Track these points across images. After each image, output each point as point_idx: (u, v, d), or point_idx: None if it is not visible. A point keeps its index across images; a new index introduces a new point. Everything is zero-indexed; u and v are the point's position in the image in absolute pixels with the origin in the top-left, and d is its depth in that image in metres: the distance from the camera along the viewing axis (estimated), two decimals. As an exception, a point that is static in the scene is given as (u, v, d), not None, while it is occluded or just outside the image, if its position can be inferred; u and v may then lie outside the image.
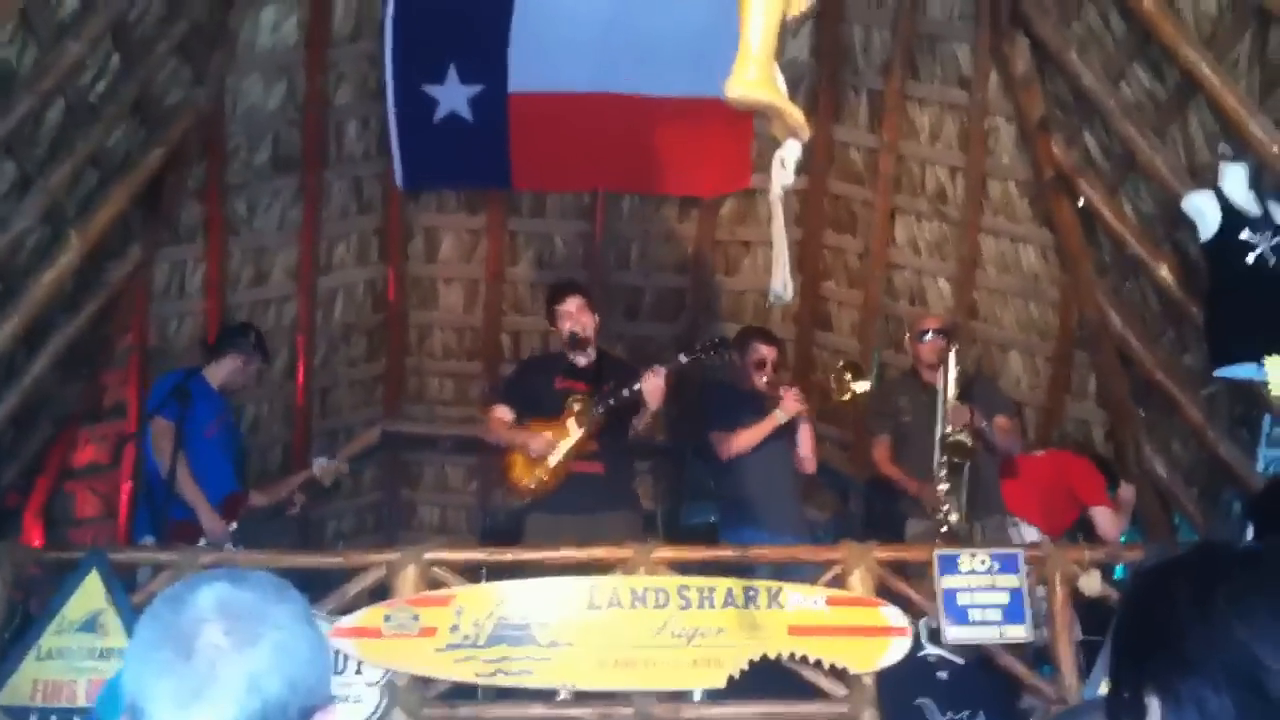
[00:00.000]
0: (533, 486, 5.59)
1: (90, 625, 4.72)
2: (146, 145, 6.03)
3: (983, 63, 6.42)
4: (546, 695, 4.88)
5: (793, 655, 4.79)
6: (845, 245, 7.47)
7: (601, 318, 6.10)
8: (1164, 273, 5.87)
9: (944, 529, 5.52)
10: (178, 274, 6.89)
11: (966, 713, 4.85)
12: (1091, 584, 4.90)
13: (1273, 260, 5.05)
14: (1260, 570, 1.33)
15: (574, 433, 5.61)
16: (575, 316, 5.82)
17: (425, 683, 4.82)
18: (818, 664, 4.79)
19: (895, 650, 4.78)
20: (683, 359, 5.77)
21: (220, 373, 6.09)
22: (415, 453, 8.28)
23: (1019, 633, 4.83)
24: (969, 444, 5.63)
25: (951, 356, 5.84)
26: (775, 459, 5.91)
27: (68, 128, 5.46)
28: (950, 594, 4.86)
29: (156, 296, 6.79)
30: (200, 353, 6.57)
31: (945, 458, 5.64)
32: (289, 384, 7.47)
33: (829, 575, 4.97)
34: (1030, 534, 5.89)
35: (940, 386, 5.82)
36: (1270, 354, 4.96)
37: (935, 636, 4.88)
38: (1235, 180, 5.15)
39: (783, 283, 3.95)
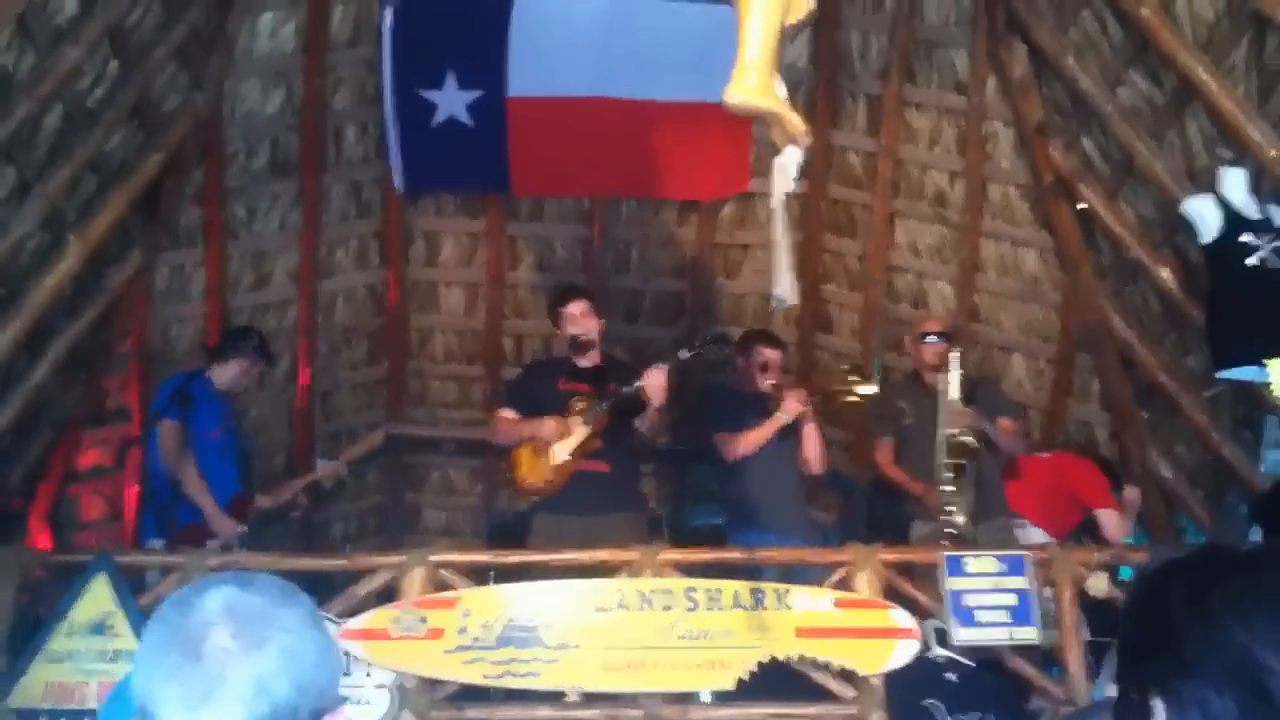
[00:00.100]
0: (539, 485, 5.60)
1: (99, 628, 4.71)
2: (145, 150, 6.03)
3: (980, 68, 6.45)
4: (554, 697, 4.88)
5: (800, 657, 4.80)
6: (845, 249, 7.50)
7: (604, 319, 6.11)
8: (1165, 275, 5.91)
9: (949, 531, 5.53)
10: (178, 278, 6.87)
11: (975, 714, 4.85)
12: (1099, 585, 4.91)
13: (1273, 263, 5.08)
14: (1257, 573, 1.34)
15: (579, 431, 5.63)
16: (578, 320, 5.85)
17: (433, 684, 4.82)
18: (826, 666, 4.80)
19: (903, 652, 4.79)
20: (684, 355, 5.79)
21: (225, 375, 6.09)
22: (419, 455, 8.28)
23: (1028, 634, 4.84)
24: (972, 444, 5.65)
25: (954, 358, 5.85)
26: (781, 461, 5.92)
27: (66, 133, 5.44)
28: (957, 595, 4.87)
29: (157, 301, 6.77)
30: (202, 356, 6.57)
31: (949, 459, 5.65)
32: (291, 387, 7.46)
33: (835, 577, 4.98)
34: (1035, 536, 5.91)
35: (942, 389, 5.83)
36: (1272, 356, 4.99)
37: (943, 638, 4.89)
38: (1234, 184, 5.18)
39: (785, 288, 3.96)
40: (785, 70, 4.13)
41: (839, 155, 7.24)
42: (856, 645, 4.80)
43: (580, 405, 5.67)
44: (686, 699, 4.92)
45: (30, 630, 4.88)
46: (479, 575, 5.25)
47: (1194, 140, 5.63)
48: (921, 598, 4.97)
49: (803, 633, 4.81)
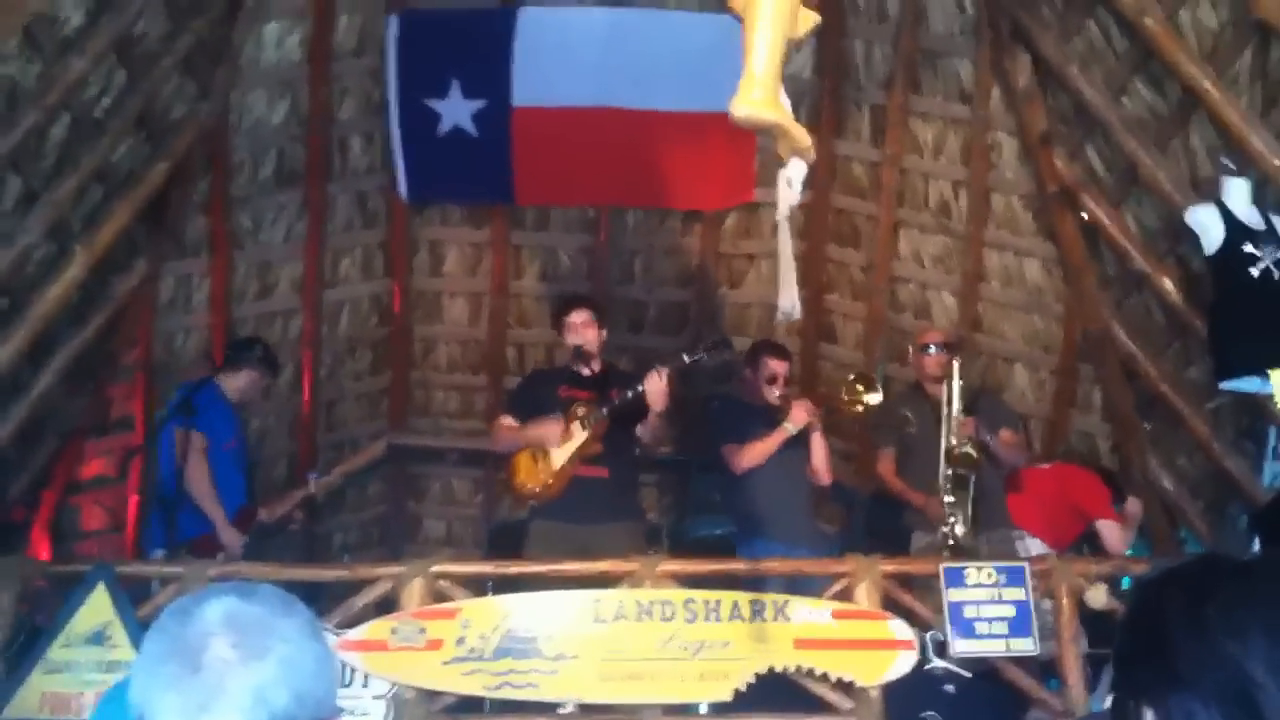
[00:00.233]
0: (537, 490, 5.61)
1: (97, 638, 4.72)
2: (151, 160, 6.06)
3: (984, 78, 6.45)
4: (552, 708, 4.87)
5: (799, 668, 4.79)
6: (849, 259, 7.49)
7: (606, 331, 6.11)
8: (1168, 286, 5.90)
9: (950, 542, 5.51)
10: (183, 288, 6.90)
11: (973, 725, 4.85)
12: (1098, 597, 4.90)
13: (1277, 273, 5.07)
14: (1251, 585, 1.34)
15: (578, 434, 5.64)
16: (580, 330, 5.85)
17: (431, 695, 4.83)
18: (824, 677, 4.78)
19: (902, 663, 4.78)
20: (685, 359, 5.78)
21: (237, 386, 6.11)
22: (421, 466, 8.28)
23: (1026, 645, 4.82)
24: (974, 455, 5.63)
25: (956, 369, 5.84)
26: (789, 471, 5.91)
27: (73, 143, 5.48)
28: (956, 607, 4.86)
29: (162, 310, 6.80)
30: (207, 365, 6.61)
31: (950, 470, 5.64)
32: (294, 397, 7.48)
33: (835, 588, 4.98)
34: (1036, 547, 5.89)
35: (944, 399, 5.82)
36: (1275, 366, 4.98)
37: (942, 649, 4.88)
38: (1238, 194, 5.18)
39: (791, 301, 3.96)
40: (790, 80, 4.15)
41: (843, 165, 7.23)
42: (855, 656, 4.79)
43: (581, 410, 5.67)
44: (685, 710, 4.92)
45: (29, 640, 4.91)
46: (478, 585, 5.26)
47: (1197, 150, 5.64)
48: (921, 609, 4.96)
49: (801, 644, 4.80)
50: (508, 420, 5.90)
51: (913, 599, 5.01)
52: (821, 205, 7.23)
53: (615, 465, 5.72)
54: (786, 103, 3.51)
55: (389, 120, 6.84)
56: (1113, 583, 5.08)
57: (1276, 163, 5.03)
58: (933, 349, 6.15)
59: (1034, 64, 6.14)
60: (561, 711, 4.85)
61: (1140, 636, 1.39)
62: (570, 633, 4.85)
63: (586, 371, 5.88)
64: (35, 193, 5.39)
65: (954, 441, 5.68)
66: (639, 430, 5.74)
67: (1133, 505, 6.30)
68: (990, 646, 4.84)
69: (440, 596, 4.95)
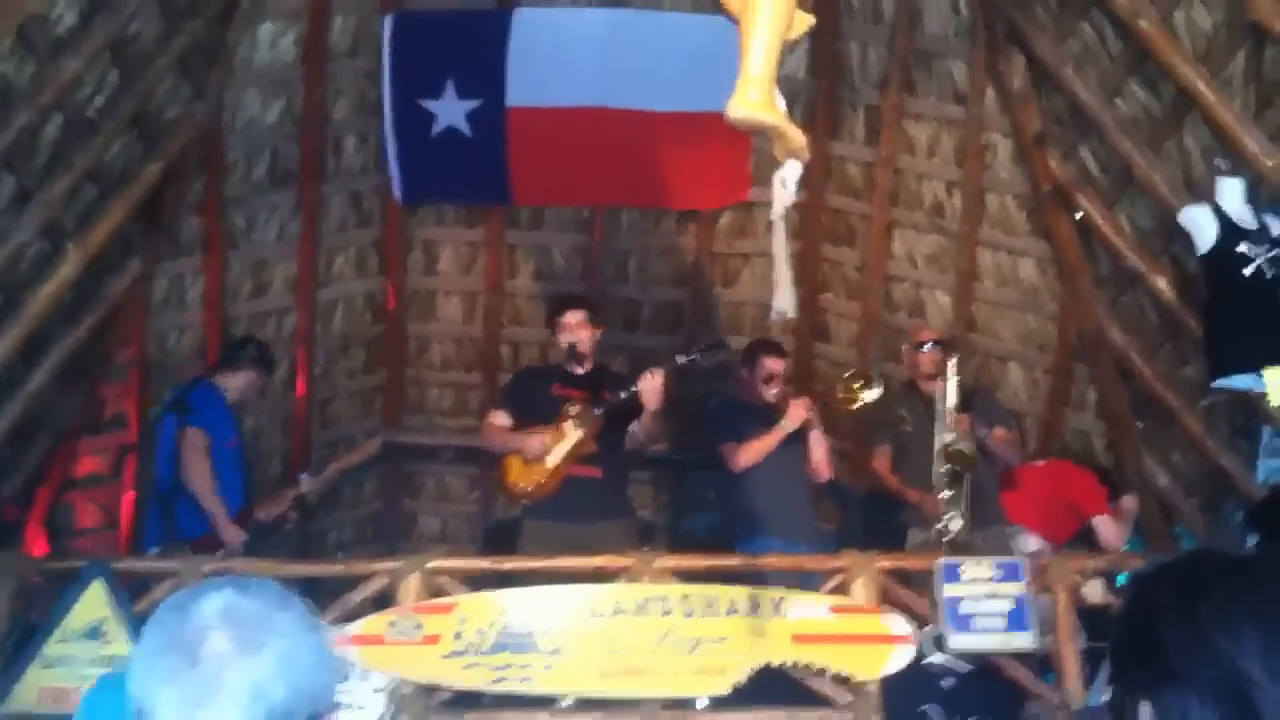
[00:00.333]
0: (530, 489, 5.61)
1: (93, 633, 4.73)
2: (145, 159, 6.05)
3: (979, 79, 6.46)
4: (550, 702, 4.88)
5: (796, 663, 4.79)
6: (843, 258, 7.51)
7: (600, 331, 6.11)
8: (1162, 285, 5.92)
9: (946, 538, 5.53)
10: (177, 287, 6.88)
11: (971, 720, 4.86)
12: (1094, 592, 4.92)
13: (1270, 272, 5.10)
14: (1246, 580, 1.34)
15: (571, 434, 5.65)
16: (574, 330, 5.87)
17: (429, 690, 4.82)
18: (821, 672, 4.79)
19: (899, 658, 4.79)
20: (680, 360, 5.81)
21: (236, 385, 6.10)
22: (415, 463, 8.27)
23: (1023, 640, 4.83)
24: (970, 452, 5.65)
25: (951, 367, 5.86)
26: (788, 468, 5.92)
27: (66, 142, 5.47)
28: (953, 602, 4.87)
29: (155, 309, 6.79)
30: (201, 364, 6.60)
31: (946, 467, 5.65)
32: (289, 395, 7.46)
33: (832, 584, 4.99)
34: (1031, 544, 5.90)
35: (939, 397, 5.84)
36: (1268, 365, 5.00)
37: (939, 644, 4.88)
38: (1231, 194, 5.20)
39: (786, 301, 3.98)
40: (785, 81, 4.16)
41: (838, 165, 7.25)
42: (852, 651, 4.80)
43: (574, 409, 5.68)
44: (683, 705, 4.91)
45: (25, 636, 4.90)
46: (475, 581, 5.25)
47: (1192, 151, 5.66)
48: (918, 604, 4.97)
49: (799, 639, 4.81)
50: (499, 418, 5.91)
51: (910, 594, 5.02)
52: (816, 205, 7.24)
53: (608, 465, 5.74)
54: (782, 104, 3.52)
55: (383, 120, 6.83)
56: (1109, 578, 5.10)
57: (1270, 163, 5.05)
58: (927, 347, 6.17)
59: (1029, 65, 6.15)
60: (559, 706, 4.85)
61: (1135, 632, 1.39)
62: (567, 627, 4.85)
63: (579, 370, 5.88)
64: (29, 192, 5.37)
65: (949, 438, 5.69)
66: (631, 429, 5.74)
67: (1128, 502, 6.32)
68: (987, 641, 4.85)
69: (437, 592, 4.95)
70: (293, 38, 6.56)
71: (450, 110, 6.86)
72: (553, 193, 7.38)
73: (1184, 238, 5.42)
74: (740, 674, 4.75)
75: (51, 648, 4.71)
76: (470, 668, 4.75)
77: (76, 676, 4.63)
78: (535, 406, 5.76)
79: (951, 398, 5.78)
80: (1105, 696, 4.39)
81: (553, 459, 5.61)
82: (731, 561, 5.37)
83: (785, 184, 3.73)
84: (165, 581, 4.93)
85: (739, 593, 4.90)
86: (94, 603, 4.79)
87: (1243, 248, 5.14)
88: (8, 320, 5.52)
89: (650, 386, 5.56)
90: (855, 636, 4.84)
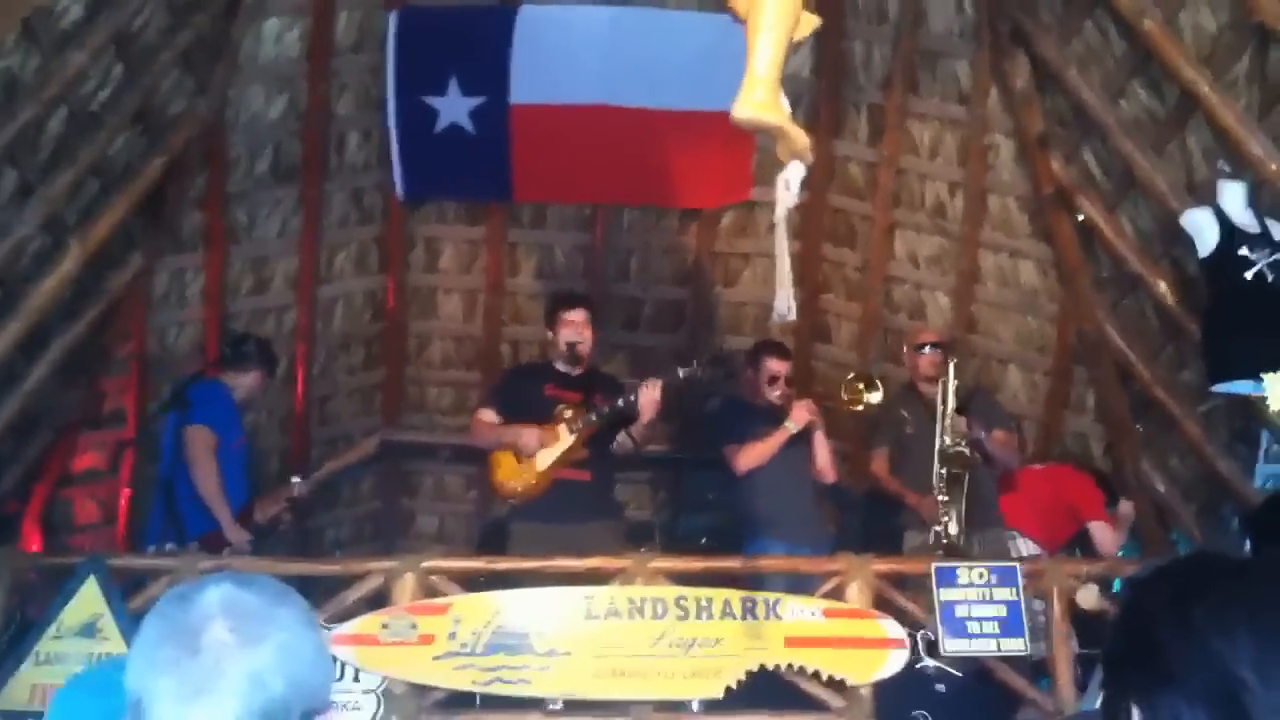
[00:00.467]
0: (520, 489, 5.61)
1: (88, 630, 4.73)
2: (148, 154, 6.06)
3: (982, 79, 6.46)
4: (543, 703, 4.88)
5: (790, 666, 4.79)
6: (844, 259, 7.50)
7: (601, 329, 6.10)
8: (1162, 288, 5.91)
9: (943, 540, 5.52)
10: (178, 282, 6.89)
11: (964, 724, 4.85)
12: (1089, 598, 4.90)
13: (1271, 276, 5.08)
14: (1240, 585, 1.34)
15: (565, 438, 5.63)
16: (578, 328, 5.83)
17: (422, 690, 4.82)
18: (815, 675, 4.78)
19: (893, 662, 4.78)
20: (680, 373, 5.79)
21: (245, 384, 6.10)
22: (414, 461, 8.28)
23: (1017, 645, 4.82)
24: (968, 454, 5.64)
25: (950, 369, 5.85)
26: (791, 470, 5.91)
27: (70, 136, 5.47)
28: (948, 606, 4.86)
29: (156, 304, 6.81)
30: (201, 360, 6.62)
31: (944, 469, 5.64)
32: (288, 392, 7.46)
33: (827, 587, 4.98)
34: (1028, 548, 5.89)
35: (939, 399, 5.83)
36: (1268, 370, 4.98)
37: (933, 649, 4.88)
38: (1234, 197, 5.18)
39: (786, 303, 3.97)
40: (788, 80, 4.16)
41: (840, 165, 7.24)
42: (846, 655, 4.79)
43: (568, 413, 5.66)
44: (677, 707, 4.90)
45: (20, 632, 4.91)
46: (470, 580, 5.25)
47: (1194, 153, 5.64)
48: (913, 608, 4.96)
49: (792, 642, 4.80)
50: (488, 415, 5.87)
51: (905, 598, 5.01)
52: (818, 205, 7.24)
53: (597, 469, 5.74)
54: (786, 106, 3.52)
55: (387, 117, 6.83)
56: (1104, 584, 5.08)
57: (1274, 167, 5.03)
58: (927, 349, 6.16)
59: (1032, 66, 6.15)
60: (550, 708, 4.85)
61: (1130, 635, 1.39)
62: (562, 629, 4.84)
63: (572, 372, 5.86)
64: (31, 186, 5.37)
65: (948, 441, 5.68)
66: (620, 439, 5.74)
67: (1125, 507, 6.32)
68: (981, 646, 4.84)
69: (432, 592, 4.95)
70: (297, 33, 6.57)
71: (454, 107, 6.86)
72: (555, 190, 7.38)
73: (1185, 241, 5.41)
74: (734, 677, 4.74)
75: (46, 645, 4.70)
76: (464, 669, 4.74)
77: (70, 674, 4.62)
78: (526, 406, 5.73)
79: (951, 400, 5.76)
80: (1098, 702, 4.39)
81: (544, 462, 5.60)
82: (726, 563, 5.36)
83: (788, 185, 3.71)
84: (161, 578, 4.95)
85: (733, 595, 4.89)
86: (89, 600, 4.78)
87: (1244, 251, 5.12)
88: (8, 314, 5.52)
89: (648, 398, 5.55)
90: (849, 640, 4.82)
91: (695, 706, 4.96)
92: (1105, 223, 6.12)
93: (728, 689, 4.75)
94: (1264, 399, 5.04)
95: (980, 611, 4.84)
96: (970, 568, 4.96)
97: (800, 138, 3.53)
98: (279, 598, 1.51)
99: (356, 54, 6.82)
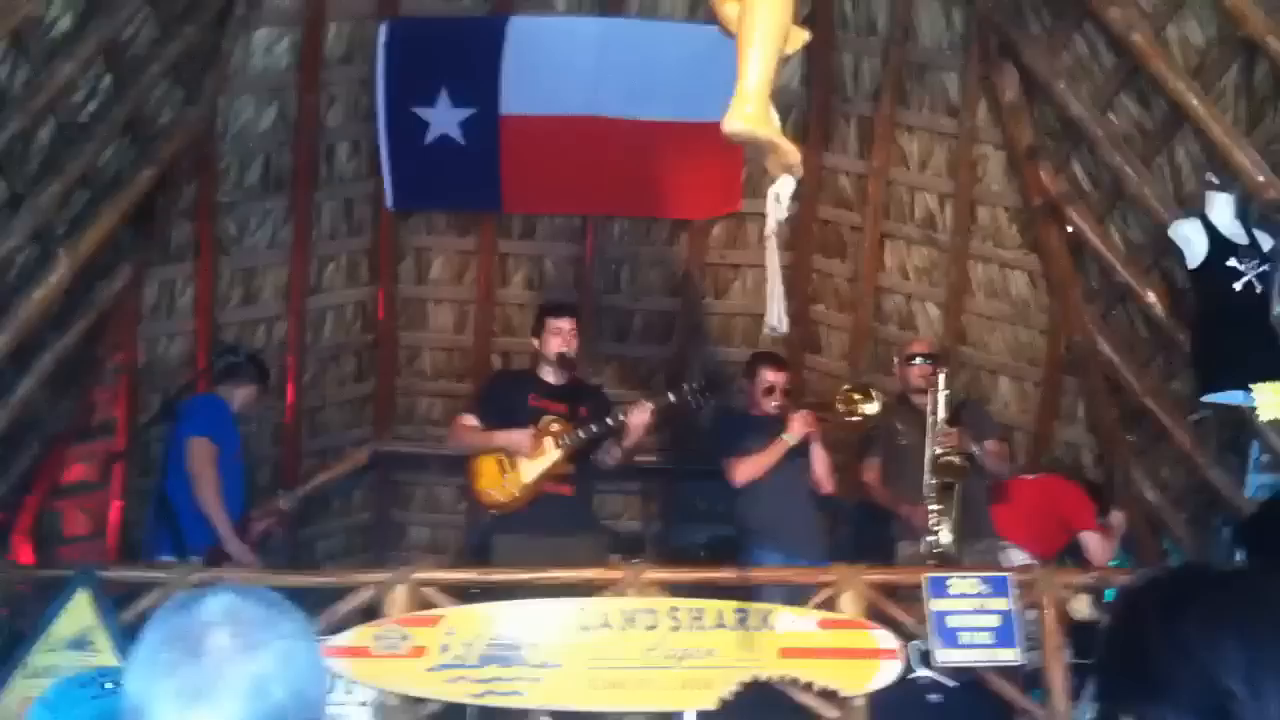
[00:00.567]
0: (503, 501, 5.59)
1: (79, 643, 4.69)
2: (138, 165, 6.03)
3: (972, 91, 6.49)
4: (536, 716, 4.87)
5: (784, 677, 4.79)
6: (834, 270, 7.51)
7: (591, 340, 6.09)
8: (1152, 299, 5.93)
9: (935, 550, 5.52)
10: (167, 293, 6.87)
11: (958, 735, 4.86)
12: (1082, 607, 4.91)
13: (1259, 287, 5.11)
14: (1231, 594, 1.33)
15: (551, 453, 5.62)
16: (567, 336, 5.82)
17: (415, 702, 4.81)
18: (809, 686, 4.78)
19: (886, 673, 4.79)
20: (670, 398, 5.80)
21: (240, 397, 6.13)
22: (405, 473, 8.24)
23: (1010, 656, 4.83)
24: (959, 464, 5.64)
25: (941, 379, 5.86)
26: (790, 481, 5.90)
27: (59, 147, 5.45)
28: (940, 616, 4.87)
29: (146, 315, 6.78)
30: (189, 370, 6.61)
31: (936, 479, 5.65)
32: (278, 403, 7.42)
33: (820, 597, 4.98)
34: (1019, 558, 5.90)
35: (929, 409, 5.84)
36: (1257, 380, 5.00)
37: (926, 659, 4.88)
38: (1222, 208, 5.21)
39: (778, 316, 3.98)
40: (778, 92, 4.15)
41: (830, 177, 7.25)
42: (840, 666, 4.80)
43: (555, 427, 5.65)
44: (670, 718, 4.90)
45: (11, 645, 4.87)
46: (460, 593, 5.24)
47: (1183, 165, 5.69)
48: (905, 618, 4.96)
49: (786, 653, 4.81)
50: (471, 420, 5.84)
51: (897, 608, 5.01)
52: (808, 216, 7.24)
53: (579, 484, 5.74)
54: (776, 119, 3.53)
55: (377, 128, 6.83)
56: (1096, 594, 5.09)
57: (1261, 178, 5.07)
58: (918, 360, 6.15)
59: (1021, 78, 6.18)
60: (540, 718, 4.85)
61: (1120, 646, 1.39)
62: (555, 640, 4.84)
63: (556, 381, 5.85)
64: (20, 196, 5.35)
65: (938, 450, 5.69)
66: (599, 456, 5.75)
67: (1116, 517, 6.33)
68: (974, 656, 4.85)
69: (424, 604, 4.94)
70: (287, 44, 6.56)
71: (444, 118, 6.86)
72: (545, 201, 7.38)
73: (1174, 252, 5.44)
74: (727, 688, 4.74)
75: (37, 657, 4.67)
76: (456, 681, 4.73)
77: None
78: (511, 415, 5.71)
79: (941, 410, 5.78)
80: (1091, 713, 4.40)
81: (529, 475, 5.58)
82: (719, 574, 5.36)
83: (779, 199, 3.71)
84: (153, 591, 4.93)
85: (726, 606, 4.90)
86: (80, 612, 4.75)
87: (1233, 262, 5.16)
88: (-2, 325, 5.51)
89: (638, 421, 5.57)
90: (842, 651, 4.83)
91: (688, 718, 4.96)
92: (1095, 234, 6.14)
93: (721, 700, 4.75)
94: (1253, 409, 5.07)
95: (973, 622, 4.85)
96: (963, 578, 4.97)
97: (791, 152, 3.54)
98: (279, 609, 1.51)
99: (346, 65, 6.82)
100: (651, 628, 4.83)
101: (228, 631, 1.43)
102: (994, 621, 4.86)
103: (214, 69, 6.22)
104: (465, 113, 6.86)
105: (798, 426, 5.89)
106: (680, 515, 8.09)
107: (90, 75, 5.45)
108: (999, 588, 4.94)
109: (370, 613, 4.99)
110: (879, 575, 5.14)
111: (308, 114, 6.75)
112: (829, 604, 4.95)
